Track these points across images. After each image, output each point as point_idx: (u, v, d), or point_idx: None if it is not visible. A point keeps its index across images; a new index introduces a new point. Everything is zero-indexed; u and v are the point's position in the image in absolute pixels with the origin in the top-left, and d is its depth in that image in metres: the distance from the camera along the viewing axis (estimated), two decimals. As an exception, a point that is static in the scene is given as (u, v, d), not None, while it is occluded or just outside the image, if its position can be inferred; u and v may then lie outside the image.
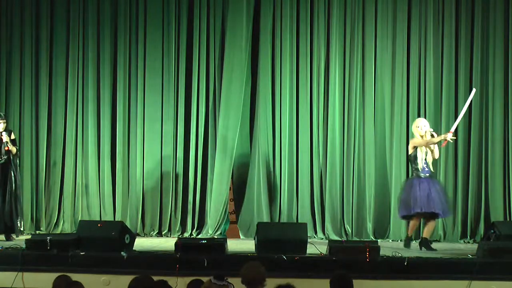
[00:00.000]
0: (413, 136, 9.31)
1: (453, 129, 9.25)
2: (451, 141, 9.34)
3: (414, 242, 9.45)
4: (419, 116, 10.49)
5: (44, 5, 11.09)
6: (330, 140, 10.63)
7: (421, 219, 9.37)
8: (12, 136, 9.91)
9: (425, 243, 9.13)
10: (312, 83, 10.71)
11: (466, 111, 9.57)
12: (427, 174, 9.14)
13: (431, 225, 9.21)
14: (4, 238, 9.74)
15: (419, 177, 9.12)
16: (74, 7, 11.04)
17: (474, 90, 9.56)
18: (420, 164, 9.11)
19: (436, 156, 9.27)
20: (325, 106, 10.69)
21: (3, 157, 9.75)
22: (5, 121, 9.91)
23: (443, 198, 9.17)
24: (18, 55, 11.09)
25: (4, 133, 9.80)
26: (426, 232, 9.24)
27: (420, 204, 8.97)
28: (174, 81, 10.89)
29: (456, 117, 9.80)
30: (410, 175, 9.81)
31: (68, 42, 11.06)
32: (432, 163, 9.19)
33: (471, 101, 9.58)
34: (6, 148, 9.76)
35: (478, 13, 10.49)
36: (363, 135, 10.61)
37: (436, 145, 9.21)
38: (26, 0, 11.08)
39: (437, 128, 10.34)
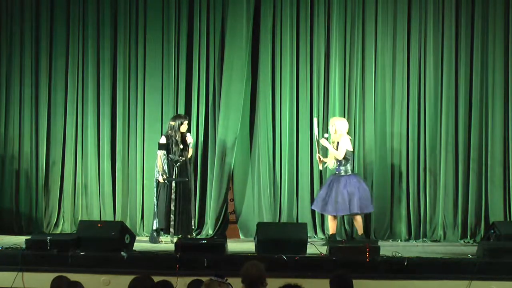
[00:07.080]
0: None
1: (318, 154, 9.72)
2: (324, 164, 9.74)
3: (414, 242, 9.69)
4: (419, 116, 10.49)
5: (44, 5, 11.07)
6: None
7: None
8: (190, 139, 9.83)
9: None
10: (312, 83, 10.70)
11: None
12: (336, 172, 9.58)
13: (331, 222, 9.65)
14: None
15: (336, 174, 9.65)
16: (74, 7, 11.03)
17: (315, 119, 9.90)
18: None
19: (339, 157, 9.53)
20: (325, 106, 10.68)
21: (181, 159, 9.69)
22: (188, 122, 9.89)
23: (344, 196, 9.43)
24: (18, 55, 11.07)
25: (189, 135, 9.79)
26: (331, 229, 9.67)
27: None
28: (174, 81, 10.88)
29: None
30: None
31: (68, 42, 11.05)
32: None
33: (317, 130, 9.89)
34: (189, 150, 9.77)
35: (478, 13, 10.47)
36: (363, 135, 10.60)
37: (330, 149, 9.59)
38: (26, 0, 11.09)
39: (436, 127, 10.36)
